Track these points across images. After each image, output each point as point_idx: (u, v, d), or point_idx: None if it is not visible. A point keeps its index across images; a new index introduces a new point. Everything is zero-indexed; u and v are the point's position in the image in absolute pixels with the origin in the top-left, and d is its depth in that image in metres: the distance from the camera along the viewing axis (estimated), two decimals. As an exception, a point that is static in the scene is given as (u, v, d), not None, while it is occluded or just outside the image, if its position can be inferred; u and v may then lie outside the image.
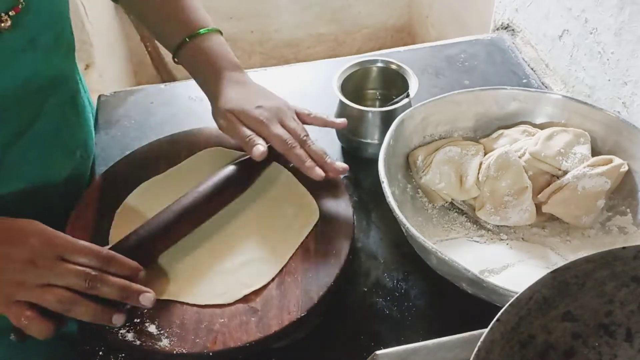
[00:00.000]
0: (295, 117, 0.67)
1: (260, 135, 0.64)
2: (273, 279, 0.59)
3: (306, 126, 0.68)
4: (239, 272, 0.60)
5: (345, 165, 0.66)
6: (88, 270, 0.51)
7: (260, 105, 0.65)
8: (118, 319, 0.53)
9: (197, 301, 0.57)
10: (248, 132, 0.64)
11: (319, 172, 0.63)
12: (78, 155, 0.71)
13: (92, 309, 0.51)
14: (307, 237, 0.62)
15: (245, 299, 0.57)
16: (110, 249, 0.56)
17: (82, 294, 0.51)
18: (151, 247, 0.59)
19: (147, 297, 0.54)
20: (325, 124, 0.70)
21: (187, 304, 0.57)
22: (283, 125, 0.65)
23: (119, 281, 0.53)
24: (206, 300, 0.57)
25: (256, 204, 0.66)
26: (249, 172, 0.66)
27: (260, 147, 0.63)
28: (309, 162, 0.64)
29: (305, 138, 0.65)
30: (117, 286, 0.52)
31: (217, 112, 0.67)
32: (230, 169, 0.65)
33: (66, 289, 0.50)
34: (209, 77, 0.69)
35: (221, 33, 0.71)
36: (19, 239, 0.51)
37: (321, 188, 0.66)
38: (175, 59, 0.71)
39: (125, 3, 0.75)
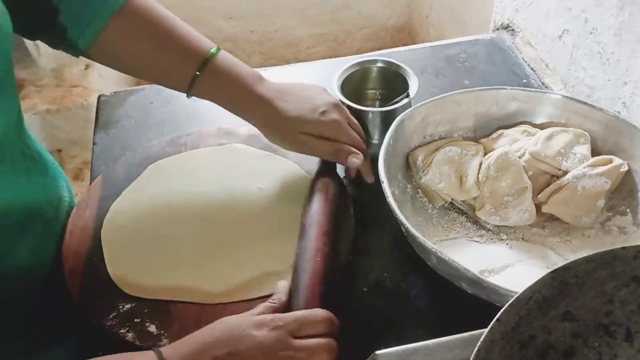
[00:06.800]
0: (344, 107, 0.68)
1: (338, 140, 0.63)
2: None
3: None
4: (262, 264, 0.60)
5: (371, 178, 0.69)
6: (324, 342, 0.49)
7: (322, 109, 0.63)
8: None
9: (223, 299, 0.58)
10: (329, 145, 0.63)
11: (372, 177, 0.68)
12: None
13: None
14: None
15: (247, 299, 0.57)
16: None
17: None
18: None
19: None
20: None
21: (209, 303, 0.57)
22: (350, 125, 0.65)
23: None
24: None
25: (268, 200, 0.66)
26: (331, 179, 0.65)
27: (356, 157, 0.63)
28: (368, 167, 0.67)
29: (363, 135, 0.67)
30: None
31: (281, 136, 0.63)
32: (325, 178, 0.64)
33: None
34: (244, 102, 0.63)
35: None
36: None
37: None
38: (190, 96, 0.64)
39: (110, 62, 0.64)
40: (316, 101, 0.64)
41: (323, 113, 0.63)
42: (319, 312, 0.50)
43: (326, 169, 0.66)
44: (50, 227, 0.60)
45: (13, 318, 0.55)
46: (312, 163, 0.69)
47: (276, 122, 0.62)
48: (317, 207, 0.60)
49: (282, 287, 0.53)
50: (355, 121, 0.68)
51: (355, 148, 0.64)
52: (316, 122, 0.62)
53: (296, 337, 0.48)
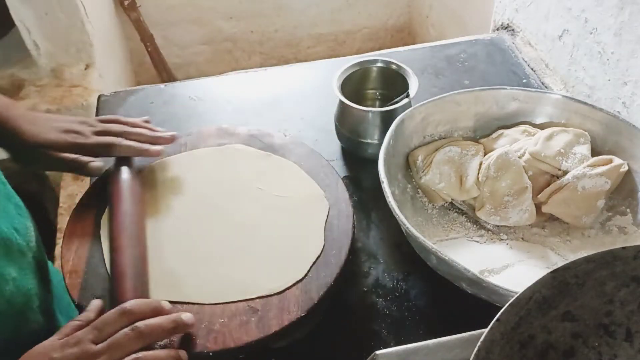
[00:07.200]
0: (102, 119, 0.68)
1: (81, 152, 0.65)
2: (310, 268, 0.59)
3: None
4: (269, 268, 0.60)
5: (172, 133, 0.69)
6: (129, 332, 0.49)
7: (65, 128, 0.65)
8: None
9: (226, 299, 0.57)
10: (70, 156, 0.64)
11: (155, 149, 0.67)
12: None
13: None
14: None
15: (246, 298, 0.57)
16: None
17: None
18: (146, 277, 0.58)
19: (188, 315, 0.52)
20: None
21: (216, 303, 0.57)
22: (97, 133, 0.66)
23: (161, 320, 0.51)
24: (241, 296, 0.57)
25: (268, 200, 0.66)
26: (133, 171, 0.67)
27: (94, 163, 0.65)
28: (143, 146, 0.66)
29: (125, 129, 0.67)
30: (163, 326, 0.50)
31: (28, 157, 0.65)
32: (126, 177, 0.65)
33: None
34: None
35: None
36: None
37: (321, 188, 0.66)
38: None
39: None
40: (60, 123, 0.66)
41: (66, 131, 0.65)
42: (116, 309, 0.50)
43: (116, 166, 0.66)
44: (25, 258, 0.60)
45: (6, 355, 0.55)
46: (312, 163, 0.69)
47: (24, 144, 0.63)
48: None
49: (94, 304, 0.53)
50: (113, 119, 0.69)
51: (104, 150, 0.65)
52: (57, 140, 0.64)
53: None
